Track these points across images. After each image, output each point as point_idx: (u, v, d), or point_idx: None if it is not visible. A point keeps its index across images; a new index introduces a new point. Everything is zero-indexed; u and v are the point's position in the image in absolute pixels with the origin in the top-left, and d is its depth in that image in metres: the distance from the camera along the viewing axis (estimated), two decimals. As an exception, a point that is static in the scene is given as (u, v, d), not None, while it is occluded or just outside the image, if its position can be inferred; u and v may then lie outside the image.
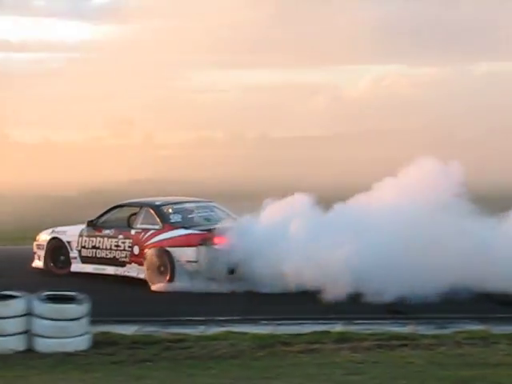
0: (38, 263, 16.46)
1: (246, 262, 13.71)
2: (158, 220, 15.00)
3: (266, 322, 11.36)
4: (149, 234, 14.91)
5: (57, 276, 15.72)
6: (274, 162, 63.61)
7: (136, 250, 14.96)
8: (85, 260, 15.77)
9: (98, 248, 15.56)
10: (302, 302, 12.66)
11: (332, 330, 10.66)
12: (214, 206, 16.06)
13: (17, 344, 9.88)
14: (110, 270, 15.35)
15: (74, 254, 15.94)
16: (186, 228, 14.76)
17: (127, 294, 13.89)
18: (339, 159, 60.04)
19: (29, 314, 9.98)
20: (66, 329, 9.86)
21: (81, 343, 9.94)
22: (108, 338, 10.39)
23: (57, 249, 16.17)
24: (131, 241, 15.07)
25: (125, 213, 15.97)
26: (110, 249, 15.37)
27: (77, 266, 15.88)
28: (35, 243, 16.60)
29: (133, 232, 15.15)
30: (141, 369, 9.16)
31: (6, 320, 9.84)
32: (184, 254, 14.27)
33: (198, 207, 15.91)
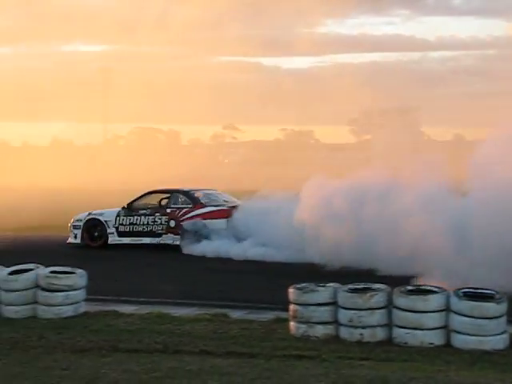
0: (73, 240, 21.35)
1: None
2: (190, 201, 20.59)
3: None
4: (183, 211, 20.42)
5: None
6: None
7: (172, 223, 20.41)
8: (122, 234, 20.98)
9: (136, 224, 20.82)
10: None
11: None
12: (218, 193, 21.67)
13: (435, 338, 10.04)
14: (146, 240, 20.72)
15: (111, 230, 21.07)
16: (213, 206, 20.42)
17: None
18: None
19: (447, 309, 10.10)
20: (485, 327, 9.82)
21: (498, 342, 9.87)
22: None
23: (92, 227, 21.21)
24: (167, 217, 20.50)
25: (153, 198, 21.41)
26: (147, 224, 20.70)
27: (113, 239, 21.05)
28: (70, 224, 21.44)
29: (168, 210, 20.65)
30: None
31: (426, 314, 10.04)
32: (217, 224, 19.70)
33: (208, 193, 21.28)
